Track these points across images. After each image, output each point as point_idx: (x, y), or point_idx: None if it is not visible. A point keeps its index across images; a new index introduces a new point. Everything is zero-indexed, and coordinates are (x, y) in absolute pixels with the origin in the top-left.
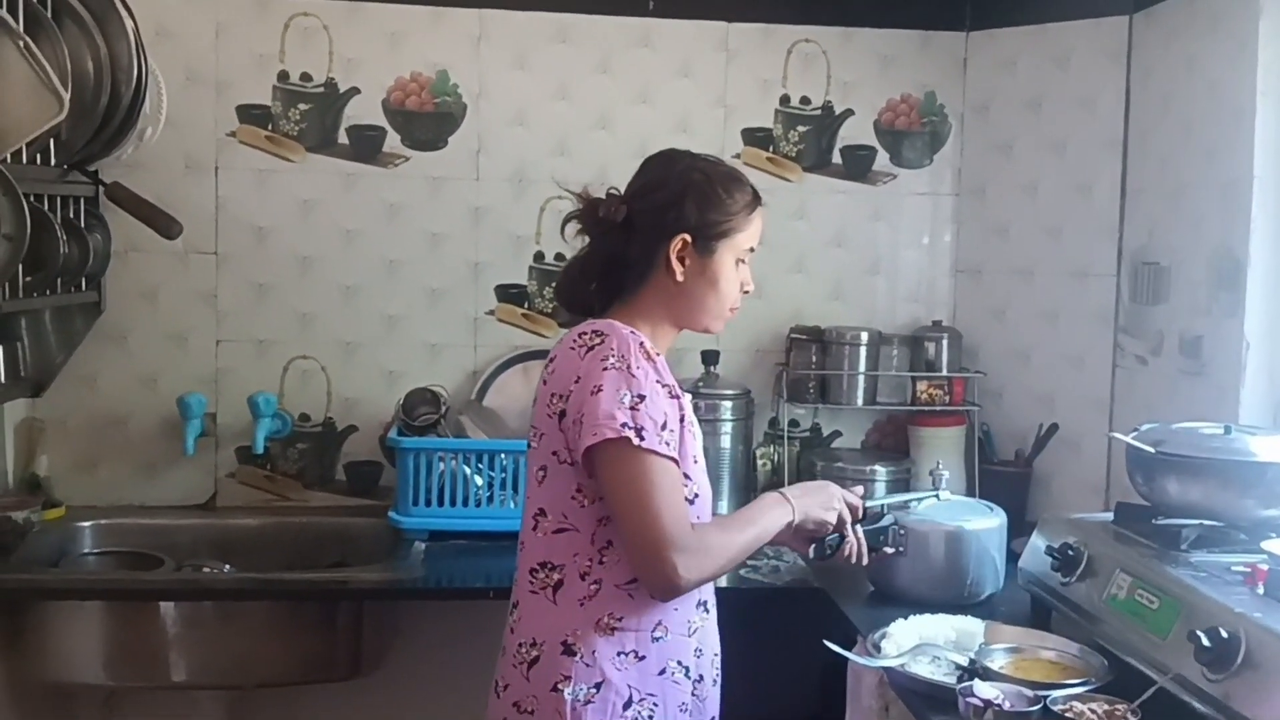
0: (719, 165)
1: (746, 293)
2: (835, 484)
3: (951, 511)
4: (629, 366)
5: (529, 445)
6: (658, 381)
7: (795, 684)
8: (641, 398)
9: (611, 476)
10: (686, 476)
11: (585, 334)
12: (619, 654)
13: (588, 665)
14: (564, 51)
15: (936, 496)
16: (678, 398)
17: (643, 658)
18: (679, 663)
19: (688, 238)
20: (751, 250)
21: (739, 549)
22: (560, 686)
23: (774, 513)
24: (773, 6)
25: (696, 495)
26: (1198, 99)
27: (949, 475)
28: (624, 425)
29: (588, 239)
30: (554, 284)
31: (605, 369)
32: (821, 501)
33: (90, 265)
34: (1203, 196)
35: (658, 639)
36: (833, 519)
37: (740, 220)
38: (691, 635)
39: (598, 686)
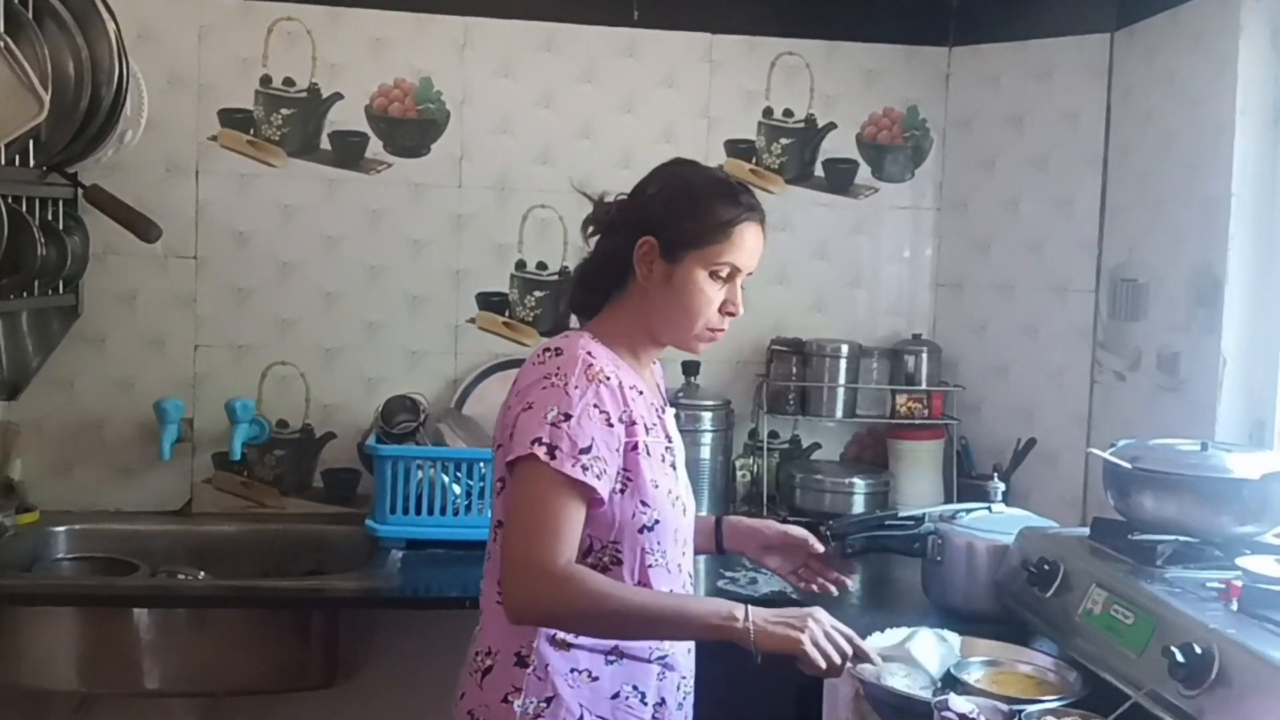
0: (709, 173)
1: (731, 314)
2: (822, 613)
3: (996, 524)
4: (565, 385)
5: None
6: (594, 405)
7: (770, 697)
8: (567, 416)
9: (515, 492)
10: (644, 503)
11: (548, 349)
12: (572, 670)
13: (539, 679)
14: (548, 60)
15: (988, 509)
16: (633, 423)
17: (596, 679)
18: (634, 688)
19: (652, 240)
20: (736, 270)
21: (621, 609)
22: (510, 698)
23: (709, 606)
24: (757, 19)
25: (657, 522)
26: (1178, 116)
27: (1003, 488)
28: (535, 441)
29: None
30: (539, 294)
31: (543, 387)
32: (787, 619)
33: (68, 268)
34: (1182, 213)
35: (612, 662)
36: (798, 638)
37: (713, 231)
38: (653, 660)
39: (548, 701)
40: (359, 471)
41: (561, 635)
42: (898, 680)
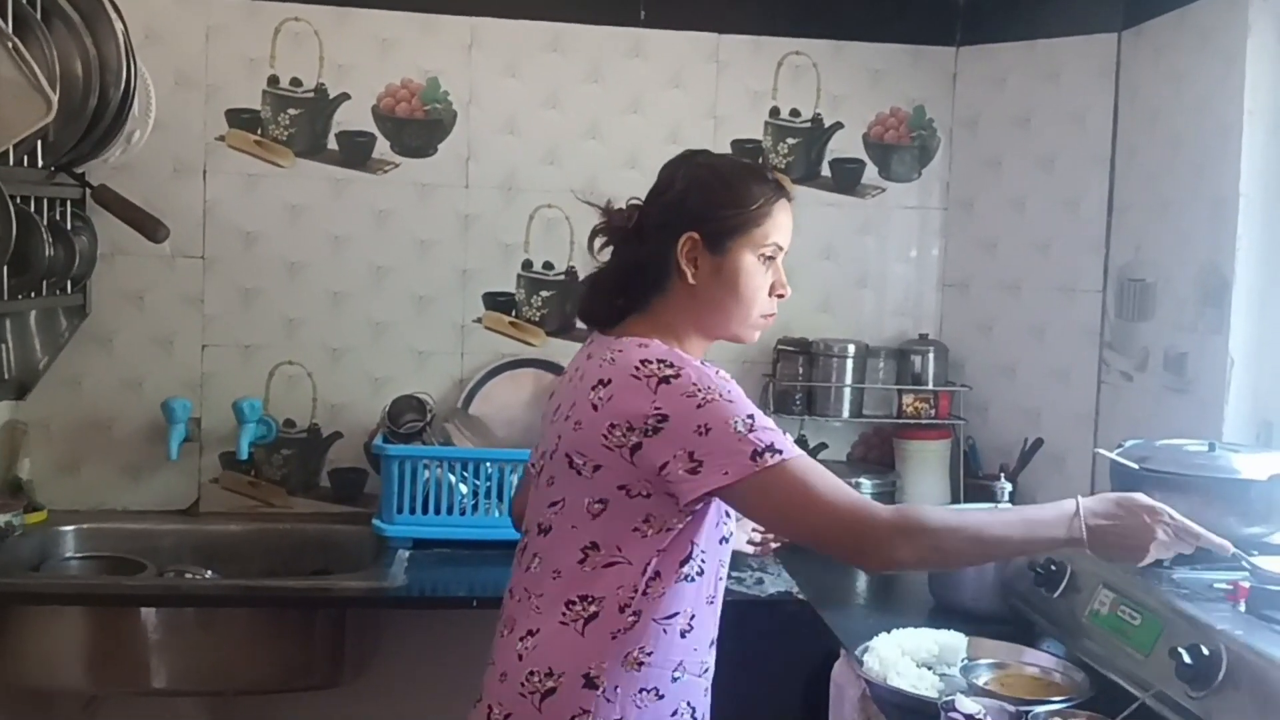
0: (731, 159)
1: (781, 296)
2: (1167, 512)
3: None
4: (721, 395)
5: (574, 468)
6: (745, 396)
7: (777, 697)
8: (750, 418)
9: (772, 502)
10: (726, 514)
11: (649, 363)
12: (641, 690)
13: (609, 700)
14: (555, 60)
15: (995, 509)
16: None
17: (661, 696)
18: (688, 704)
19: (696, 236)
20: (780, 248)
21: (977, 534)
22: None
23: (1050, 515)
24: (764, 19)
25: (731, 534)
26: (1186, 116)
27: (1010, 489)
28: (756, 455)
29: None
30: (546, 294)
31: (700, 406)
32: (1127, 529)
33: (76, 268)
34: (1190, 213)
35: (676, 679)
36: (1143, 554)
37: (755, 214)
38: (703, 675)
39: None
40: (366, 471)
41: (635, 654)
42: (905, 681)
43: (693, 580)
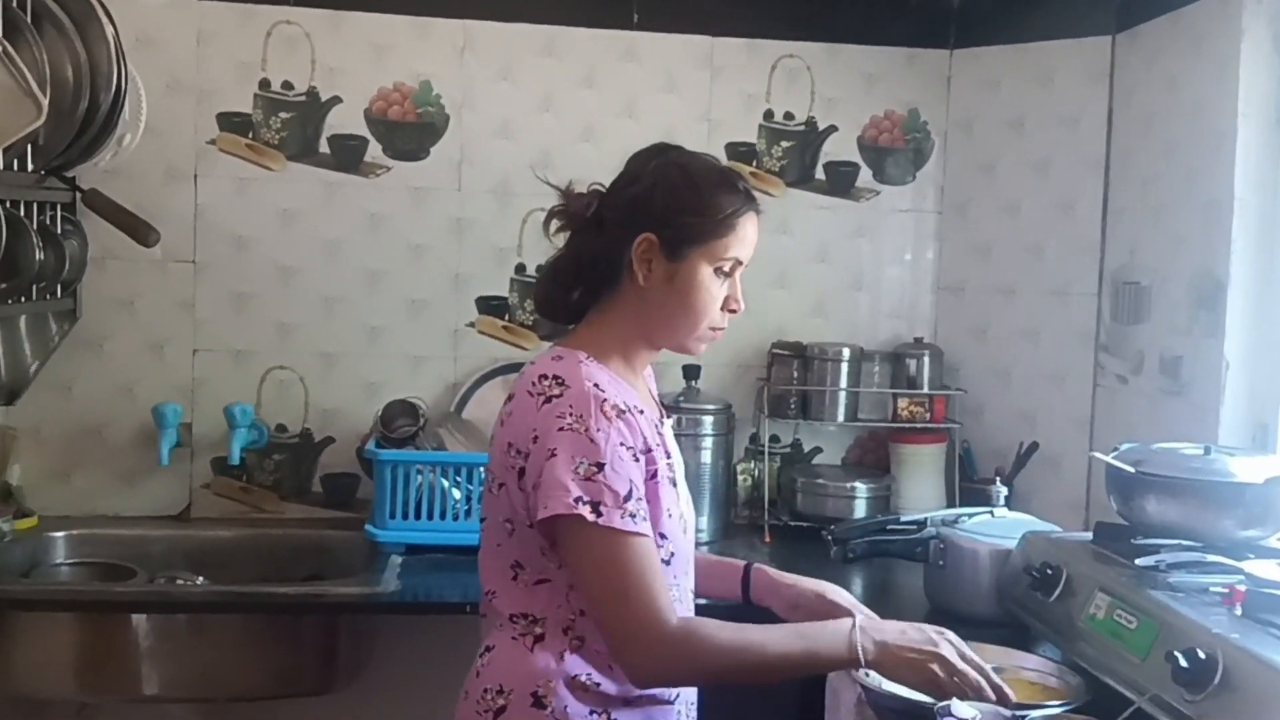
0: (705, 161)
1: (733, 311)
2: (953, 635)
3: (999, 528)
4: (587, 429)
5: (486, 485)
6: (621, 444)
7: (773, 703)
8: (599, 466)
9: (574, 556)
10: (662, 536)
11: (546, 378)
12: (592, 713)
13: None
14: (548, 64)
15: (990, 513)
16: (649, 450)
17: None
18: None
19: (653, 237)
20: (739, 263)
21: (749, 660)
22: None
23: (831, 638)
24: (757, 22)
25: (673, 555)
26: (1180, 120)
27: (1005, 492)
28: (578, 500)
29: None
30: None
31: (561, 429)
32: (911, 652)
33: (66, 272)
34: (1184, 217)
35: (635, 703)
36: (929, 678)
37: (719, 225)
38: (675, 701)
39: None
40: (358, 476)
41: (584, 678)
42: (900, 685)
43: None
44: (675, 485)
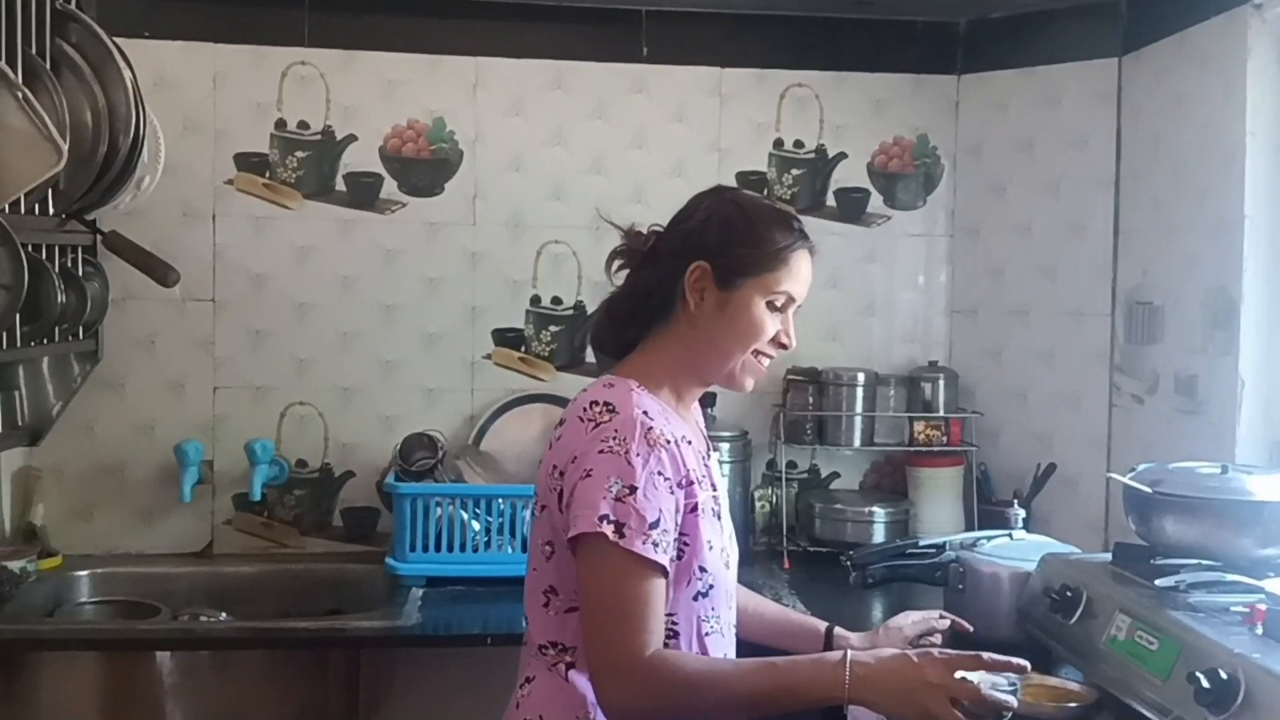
0: (761, 202)
1: (784, 347)
2: (942, 664)
3: (1018, 551)
4: (626, 453)
5: (532, 508)
6: (659, 473)
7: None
8: (632, 489)
9: (586, 572)
10: (701, 569)
11: (597, 404)
12: None
13: None
14: (559, 98)
15: (1009, 535)
16: (692, 483)
17: None
18: None
19: (706, 265)
20: (791, 299)
21: (721, 696)
22: None
23: (811, 674)
24: (765, 52)
25: (711, 587)
26: (1188, 139)
27: (1024, 514)
28: (603, 519)
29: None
30: (555, 329)
31: (601, 451)
32: (901, 682)
33: (88, 313)
34: (1195, 236)
35: None
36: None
37: (771, 258)
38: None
39: None
40: (378, 510)
41: None
42: None
43: (665, 644)
44: (720, 519)
